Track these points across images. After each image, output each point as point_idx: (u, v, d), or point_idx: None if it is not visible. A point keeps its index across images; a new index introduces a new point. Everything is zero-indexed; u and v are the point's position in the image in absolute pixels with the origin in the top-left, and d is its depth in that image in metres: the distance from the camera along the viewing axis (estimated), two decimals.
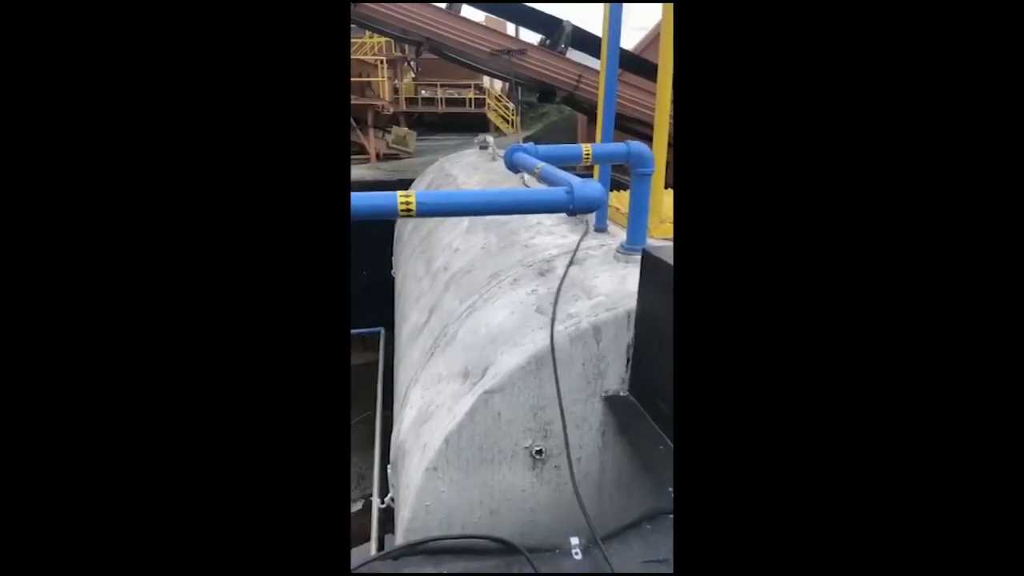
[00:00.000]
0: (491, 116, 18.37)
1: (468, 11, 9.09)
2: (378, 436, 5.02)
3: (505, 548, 1.44)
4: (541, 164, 2.15)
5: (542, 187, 1.97)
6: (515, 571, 1.40)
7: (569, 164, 2.53)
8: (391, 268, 5.97)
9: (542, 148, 2.58)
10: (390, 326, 4.83)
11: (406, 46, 14.09)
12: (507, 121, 17.64)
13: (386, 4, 7.90)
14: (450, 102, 20.35)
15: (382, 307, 5.71)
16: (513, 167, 2.56)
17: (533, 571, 1.36)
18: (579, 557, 1.43)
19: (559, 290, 2.45)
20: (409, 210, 1.46)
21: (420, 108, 19.87)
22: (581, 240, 2.96)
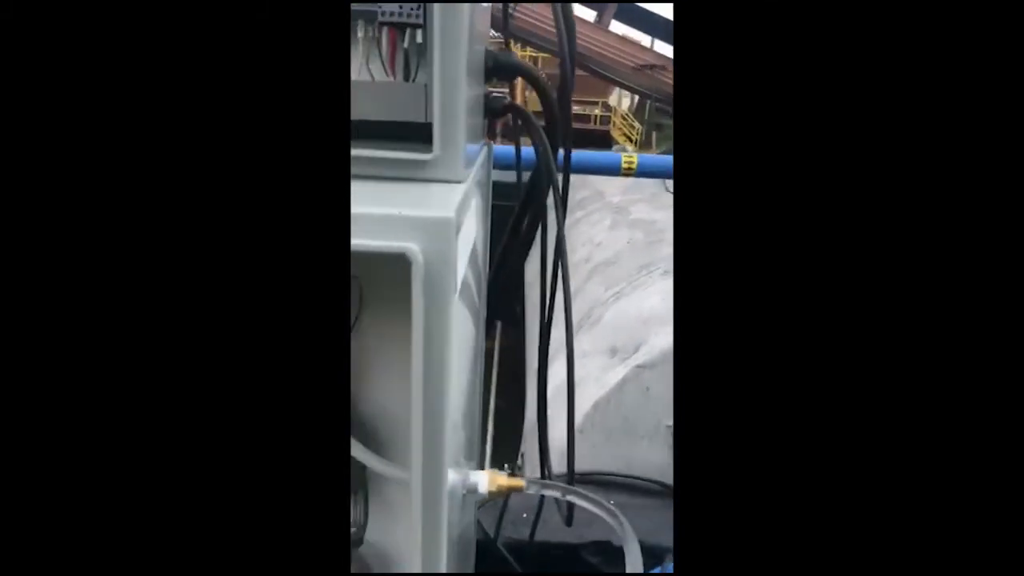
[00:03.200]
0: (615, 134, 18.44)
1: (613, 25, 9.27)
2: (491, 415, 5.28)
3: (666, 491, 1.55)
4: None
5: None
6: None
7: None
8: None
9: None
10: (507, 320, 5.04)
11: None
12: (631, 140, 17.65)
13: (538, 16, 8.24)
14: (576, 117, 20.66)
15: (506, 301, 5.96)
16: None
17: None
18: None
19: None
20: (631, 169, 1.66)
21: None
22: None
